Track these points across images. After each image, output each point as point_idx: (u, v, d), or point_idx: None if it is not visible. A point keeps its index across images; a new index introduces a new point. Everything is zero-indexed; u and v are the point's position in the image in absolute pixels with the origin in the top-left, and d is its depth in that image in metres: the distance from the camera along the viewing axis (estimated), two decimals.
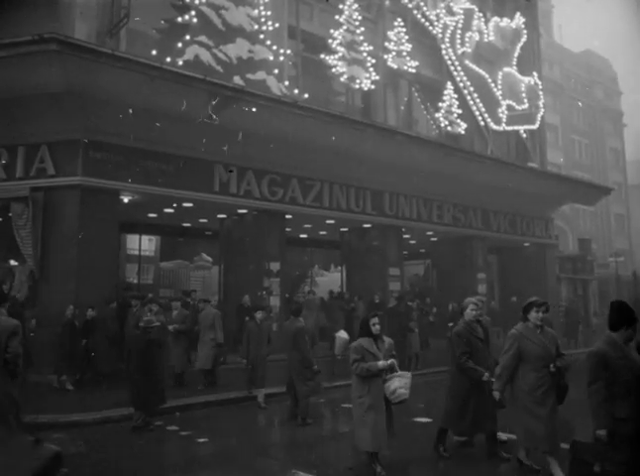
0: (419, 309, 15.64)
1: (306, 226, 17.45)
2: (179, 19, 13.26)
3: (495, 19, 22.49)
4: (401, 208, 17.30)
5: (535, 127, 22.97)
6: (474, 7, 21.33)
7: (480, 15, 21.71)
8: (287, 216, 14.92)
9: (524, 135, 22.89)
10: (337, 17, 16.66)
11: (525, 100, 22.43)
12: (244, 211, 14.48)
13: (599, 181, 36.06)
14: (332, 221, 16.55)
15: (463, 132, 19.71)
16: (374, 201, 16.57)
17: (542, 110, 23.39)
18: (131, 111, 11.03)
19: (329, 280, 20.47)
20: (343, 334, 12.44)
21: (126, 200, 12.55)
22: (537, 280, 21.66)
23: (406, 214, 17.45)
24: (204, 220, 16.04)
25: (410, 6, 19.30)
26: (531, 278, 21.55)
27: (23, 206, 11.02)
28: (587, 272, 28.96)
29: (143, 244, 16.86)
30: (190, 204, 13.61)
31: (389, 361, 5.84)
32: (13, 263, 12.34)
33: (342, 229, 18.04)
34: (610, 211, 44.95)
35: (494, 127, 21.21)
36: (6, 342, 5.14)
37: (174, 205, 13.86)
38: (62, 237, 11.12)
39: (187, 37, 13.05)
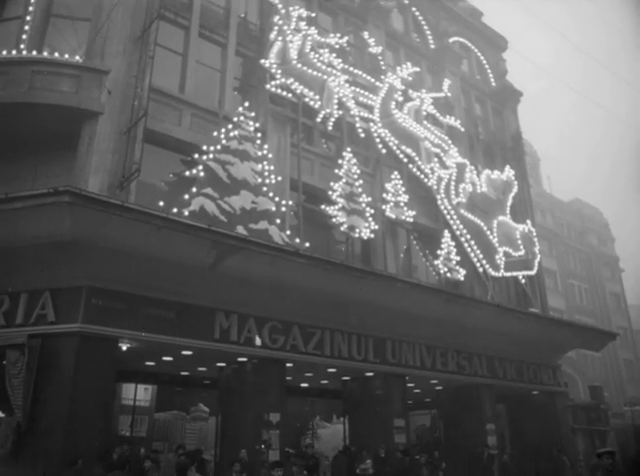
0: (428, 464, 14.71)
1: (307, 375, 16.93)
2: (187, 173, 14.01)
3: (487, 171, 23.79)
4: (404, 356, 16.88)
5: (533, 273, 23.28)
6: (465, 161, 22.64)
7: (472, 168, 22.98)
8: (288, 365, 14.54)
9: (523, 280, 23.12)
10: (336, 171, 17.62)
11: (521, 247, 22.98)
12: (244, 359, 14.12)
13: (603, 326, 35.81)
14: (333, 370, 16.07)
15: (462, 278, 19.92)
16: (377, 349, 16.22)
17: (538, 256, 23.87)
18: (135, 259, 11.26)
19: (331, 432, 19.50)
20: None
21: (124, 348, 12.32)
22: (550, 430, 20.59)
23: (409, 362, 16.98)
24: (203, 369, 15.63)
25: (405, 160, 20.51)
26: (544, 428, 20.48)
27: (18, 354, 10.74)
28: (603, 422, 27.52)
29: (138, 393, 16.25)
30: (190, 352, 13.33)
31: None
32: (0, 415, 11.82)
33: (344, 378, 17.46)
34: (619, 357, 44.08)
35: (493, 273, 21.49)
36: None
37: (174, 353, 13.59)
38: (55, 387, 10.73)
39: (194, 189, 13.70)
